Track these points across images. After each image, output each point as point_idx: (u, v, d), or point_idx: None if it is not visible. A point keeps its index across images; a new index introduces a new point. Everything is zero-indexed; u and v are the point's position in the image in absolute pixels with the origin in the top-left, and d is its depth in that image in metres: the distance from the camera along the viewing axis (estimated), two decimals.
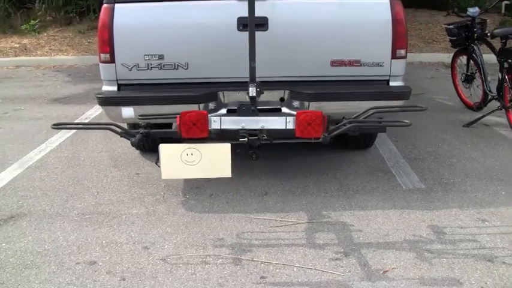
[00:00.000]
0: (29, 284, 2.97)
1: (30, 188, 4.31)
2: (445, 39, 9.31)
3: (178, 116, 3.15)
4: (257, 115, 3.37)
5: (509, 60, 5.28)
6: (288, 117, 3.23)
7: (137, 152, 5.00)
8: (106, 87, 3.97)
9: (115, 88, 3.94)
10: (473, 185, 4.22)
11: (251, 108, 3.37)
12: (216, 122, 3.22)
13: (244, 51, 3.38)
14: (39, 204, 3.99)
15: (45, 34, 11.70)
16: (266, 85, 3.65)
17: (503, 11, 11.59)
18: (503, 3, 11.16)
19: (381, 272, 3.01)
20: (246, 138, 3.31)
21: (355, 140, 4.80)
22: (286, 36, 3.82)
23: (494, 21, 11.12)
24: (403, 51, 3.87)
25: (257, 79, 3.40)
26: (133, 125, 4.08)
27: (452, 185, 4.23)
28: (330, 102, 3.78)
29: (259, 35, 3.52)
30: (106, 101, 3.90)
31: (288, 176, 4.40)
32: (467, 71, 6.33)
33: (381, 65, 3.86)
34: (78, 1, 11.96)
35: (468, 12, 6.00)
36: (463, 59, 6.43)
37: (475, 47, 6.07)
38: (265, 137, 3.38)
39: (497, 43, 5.79)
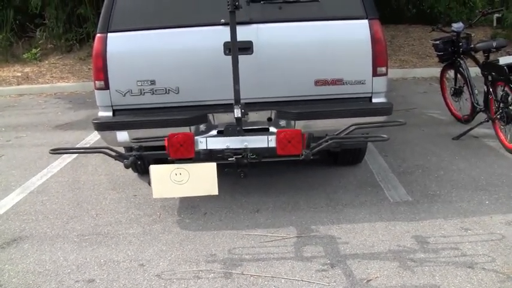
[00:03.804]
0: None
1: (32, 212, 4.47)
2: None
3: (166, 138, 3.31)
4: (242, 135, 3.51)
5: (493, 73, 5.43)
6: (269, 136, 3.37)
7: (135, 174, 5.16)
8: (102, 113, 4.13)
9: (110, 113, 4.10)
10: (458, 195, 4.35)
11: (237, 129, 3.52)
12: (202, 142, 3.36)
13: (231, 74, 3.53)
14: (41, 227, 4.15)
15: (47, 62, 11.91)
16: (254, 106, 3.83)
17: (494, 23, 11.75)
18: (494, 16, 11.32)
19: (365, 281, 3.15)
20: (233, 158, 3.46)
21: (345, 156, 4.95)
22: (271, 58, 3.98)
23: (486, 34, 11.32)
24: (383, 69, 4.02)
25: (245, 100, 3.56)
26: (130, 148, 4.22)
27: (438, 196, 4.36)
28: (315, 121, 3.92)
29: (245, 58, 3.71)
30: (101, 126, 4.05)
31: (280, 193, 4.55)
32: (455, 85, 6.47)
33: (362, 83, 4.02)
34: (78, 29, 12.19)
35: (452, 28, 6.14)
36: (451, 73, 6.57)
37: (461, 61, 6.21)
38: (254, 156, 3.53)
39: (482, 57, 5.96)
